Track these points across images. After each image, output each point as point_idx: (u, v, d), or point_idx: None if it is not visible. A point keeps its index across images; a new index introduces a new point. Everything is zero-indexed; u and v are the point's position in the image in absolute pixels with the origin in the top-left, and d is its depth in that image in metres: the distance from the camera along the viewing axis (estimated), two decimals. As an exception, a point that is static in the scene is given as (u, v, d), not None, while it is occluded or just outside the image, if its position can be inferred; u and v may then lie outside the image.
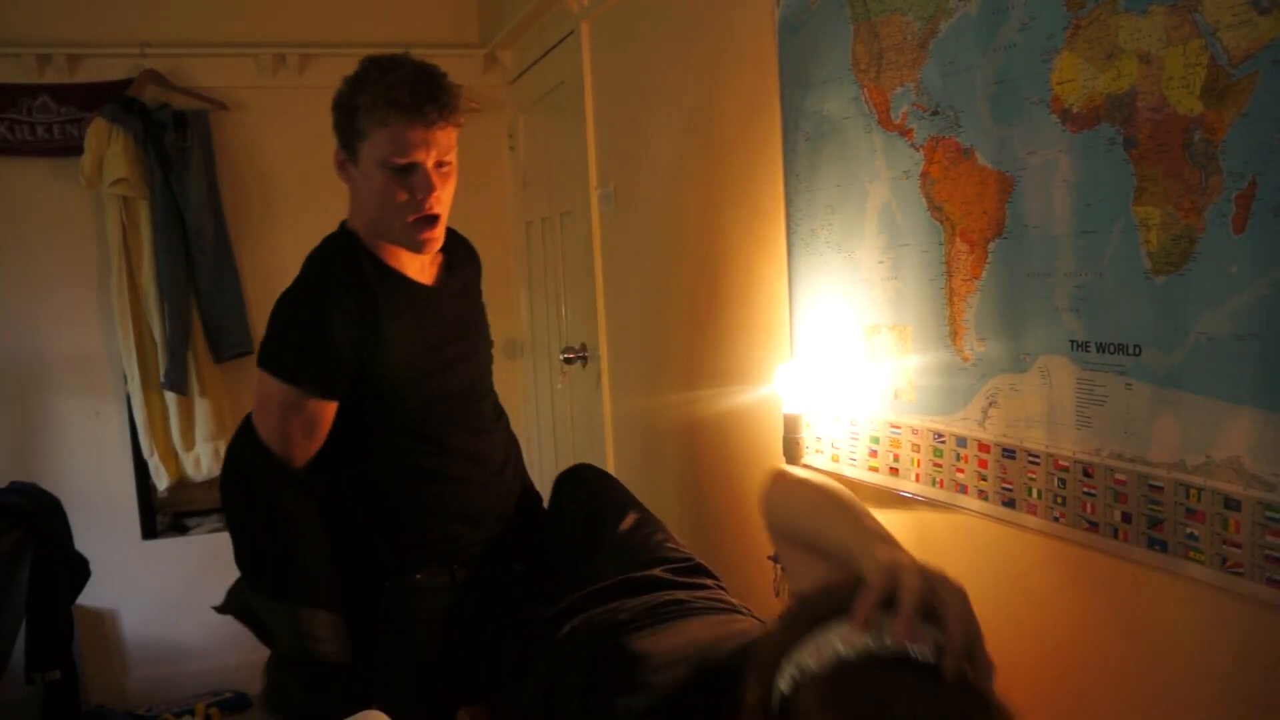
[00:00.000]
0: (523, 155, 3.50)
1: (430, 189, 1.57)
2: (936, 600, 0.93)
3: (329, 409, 1.62)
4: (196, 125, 3.18)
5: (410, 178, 1.56)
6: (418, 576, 1.72)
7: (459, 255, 1.88)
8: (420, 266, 1.74)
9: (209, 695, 3.26)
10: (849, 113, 1.65)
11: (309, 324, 1.59)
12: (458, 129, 1.59)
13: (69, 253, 3.20)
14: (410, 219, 1.58)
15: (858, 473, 1.73)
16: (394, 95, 1.52)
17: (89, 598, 2.99)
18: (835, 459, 1.78)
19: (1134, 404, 1.18)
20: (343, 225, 1.76)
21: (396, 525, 1.73)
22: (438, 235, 1.62)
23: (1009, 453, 1.39)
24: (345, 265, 1.64)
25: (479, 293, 1.95)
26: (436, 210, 1.59)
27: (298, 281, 1.68)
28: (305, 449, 1.63)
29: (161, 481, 3.21)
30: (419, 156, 1.55)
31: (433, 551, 1.73)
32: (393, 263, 1.68)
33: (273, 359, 1.61)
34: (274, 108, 3.35)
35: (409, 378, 1.67)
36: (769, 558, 1.77)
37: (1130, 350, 1.18)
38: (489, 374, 1.91)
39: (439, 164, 1.58)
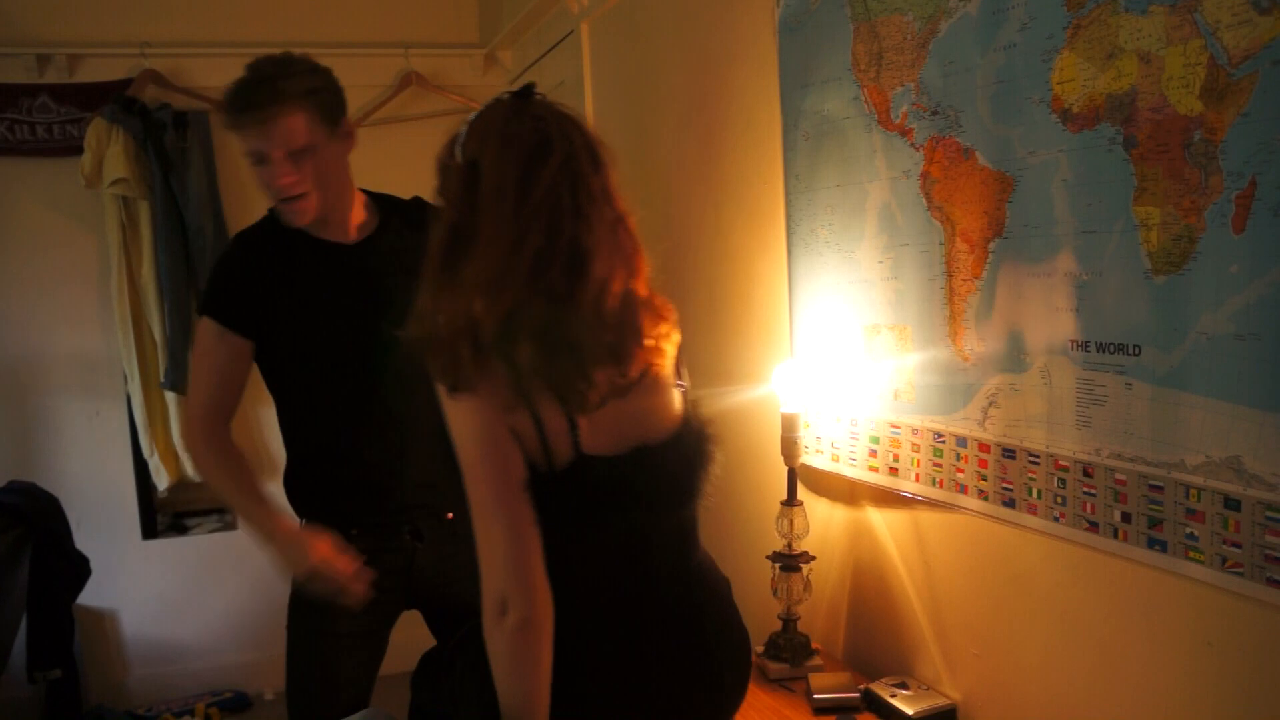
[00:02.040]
0: (523, 155, 3.49)
1: (277, 178, 1.70)
2: None
3: (225, 344, 1.76)
4: (196, 125, 3.17)
5: (265, 168, 1.71)
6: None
7: (409, 219, 1.89)
8: (340, 228, 1.83)
9: (209, 695, 3.26)
10: (849, 113, 1.65)
11: (223, 264, 1.84)
12: (294, 117, 1.69)
13: (69, 253, 3.20)
14: (276, 198, 1.74)
15: (858, 473, 1.73)
16: (229, 102, 1.69)
17: (89, 597, 2.99)
18: (835, 459, 1.78)
19: (1134, 404, 1.18)
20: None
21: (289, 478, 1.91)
22: (304, 209, 1.74)
23: (1009, 453, 1.39)
24: (256, 227, 1.85)
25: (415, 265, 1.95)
26: (293, 193, 1.72)
27: (232, 243, 1.89)
28: (206, 390, 1.78)
29: (161, 481, 3.21)
30: (264, 148, 1.69)
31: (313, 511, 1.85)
32: (305, 226, 1.80)
33: (202, 300, 1.84)
34: (274, 108, 3.35)
35: (279, 319, 1.78)
36: (767, 557, 1.77)
37: (1130, 350, 1.18)
38: (389, 367, 1.83)
39: (295, 151, 1.70)
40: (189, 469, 3.22)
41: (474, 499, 1.20)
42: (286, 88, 1.68)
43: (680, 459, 1.31)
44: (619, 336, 1.23)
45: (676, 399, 1.33)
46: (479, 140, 1.21)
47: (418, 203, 1.89)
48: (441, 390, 1.21)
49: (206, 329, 1.77)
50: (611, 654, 1.26)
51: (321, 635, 1.80)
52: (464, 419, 1.20)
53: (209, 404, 1.78)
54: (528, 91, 1.25)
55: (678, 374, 1.35)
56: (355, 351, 1.79)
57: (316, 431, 1.84)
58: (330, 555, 1.70)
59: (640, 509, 1.27)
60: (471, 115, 1.24)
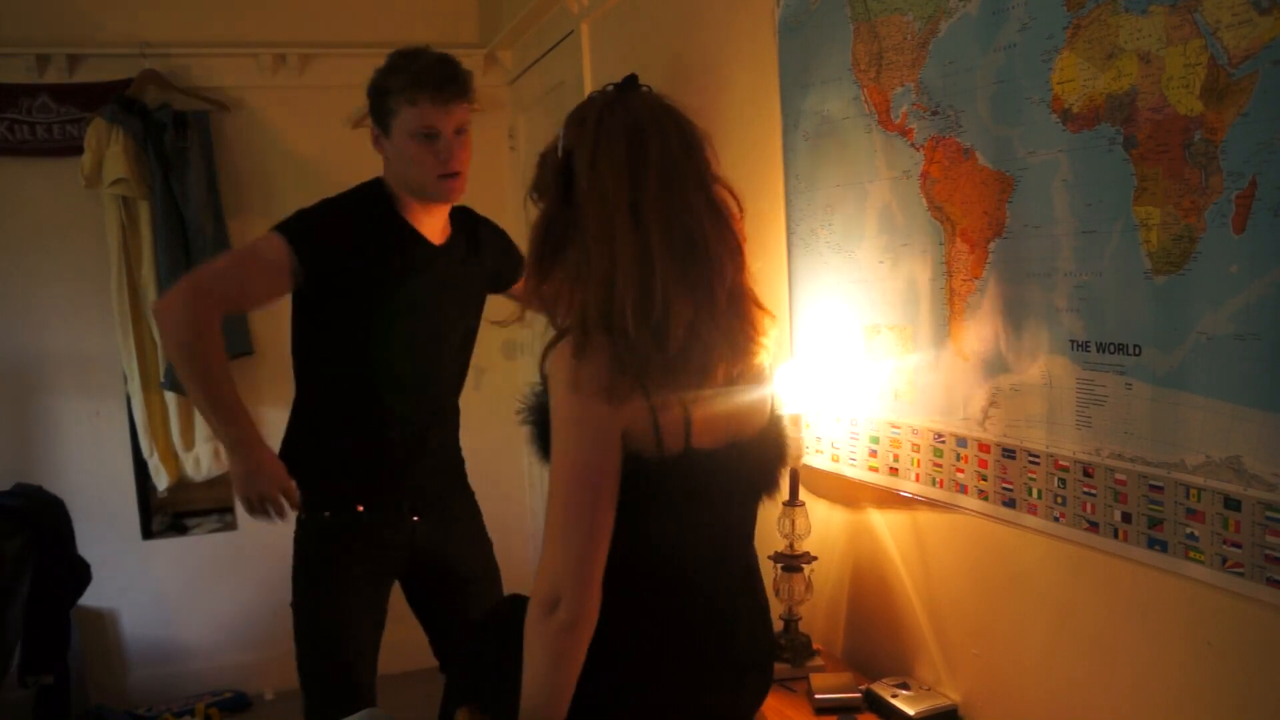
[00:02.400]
0: (523, 155, 3.50)
1: (451, 151, 1.87)
2: None
3: (277, 270, 1.79)
4: (196, 125, 3.17)
5: (436, 144, 1.84)
6: (326, 514, 1.91)
7: (481, 236, 2.12)
8: (434, 228, 1.96)
9: (209, 695, 3.26)
10: (849, 113, 1.65)
11: (321, 209, 1.89)
12: (471, 104, 1.90)
13: (69, 253, 3.20)
14: (437, 175, 1.86)
15: (858, 473, 1.73)
16: (420, 78, 1.81)
17: (89, 597, 2.99)
18: (835, 459, 1.78)
19: (1134, 404, 1.18)
20: (377, 181, 1.98)
21: (305, 459, 1.93)
22: (459, 186, 1.91)
23: (1009, 453, 1.39)
24: (363, 198, 1.93)
25: (481, 285, 2.11)
26: (457, 168, 1.88)
27: (320, 204, 1.93)
28: (233, 284, 1.81)
29: (161, 481, 3.21)
30: (441, 126, 1.84)
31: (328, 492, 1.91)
32: (406, 215, 1.92)
33: (279, 224, 1.86)
34: (274, 108, 3.35)
35: (364, 291, 1.86)
36: (769, 557, 1.77)
37: (1130, 350, 1.18)
38: (450, 370, 2.06)
39: (457, 131, 1.87)
40: (188, 469, 3.22)
41: (560, 492, 1.19)
42: (466, 73, 1.87)
43: (765, 455, 1.34)
44: (737, 328, 1.26)
45: (765, 395, 1.35)
46: (575, 136, 1.24)
47: (467, 213, 2.10)
48: (556, 380, 1.19)
49: (271, 244, 1.80)
50: (686, 639, 1.27)
51: (334, 579, 1.89)
52: (577, 411, 1.18)
53: (225, 295, 1.79)
54: (630, 83, 1.28)
55: (770, 371, 1.38)
56: (424, 347, 1.96)
57: (358, 409, 1.91)
58: (289, 488, 1.80)
59: (729, 503, 1.31)
60: (571, 111, 1.28)
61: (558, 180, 1.24)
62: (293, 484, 1.82)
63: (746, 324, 1.27)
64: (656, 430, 1.20)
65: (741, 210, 1.29)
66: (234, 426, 1.76)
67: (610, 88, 1.28)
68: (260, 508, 1.80)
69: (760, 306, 1.30)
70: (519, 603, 1.55)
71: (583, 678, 1.25)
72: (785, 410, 1.41)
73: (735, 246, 1.26)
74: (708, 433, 1.25)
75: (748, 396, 1.30)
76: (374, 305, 1.86)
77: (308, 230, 1.83)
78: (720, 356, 1.23)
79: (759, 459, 1.33)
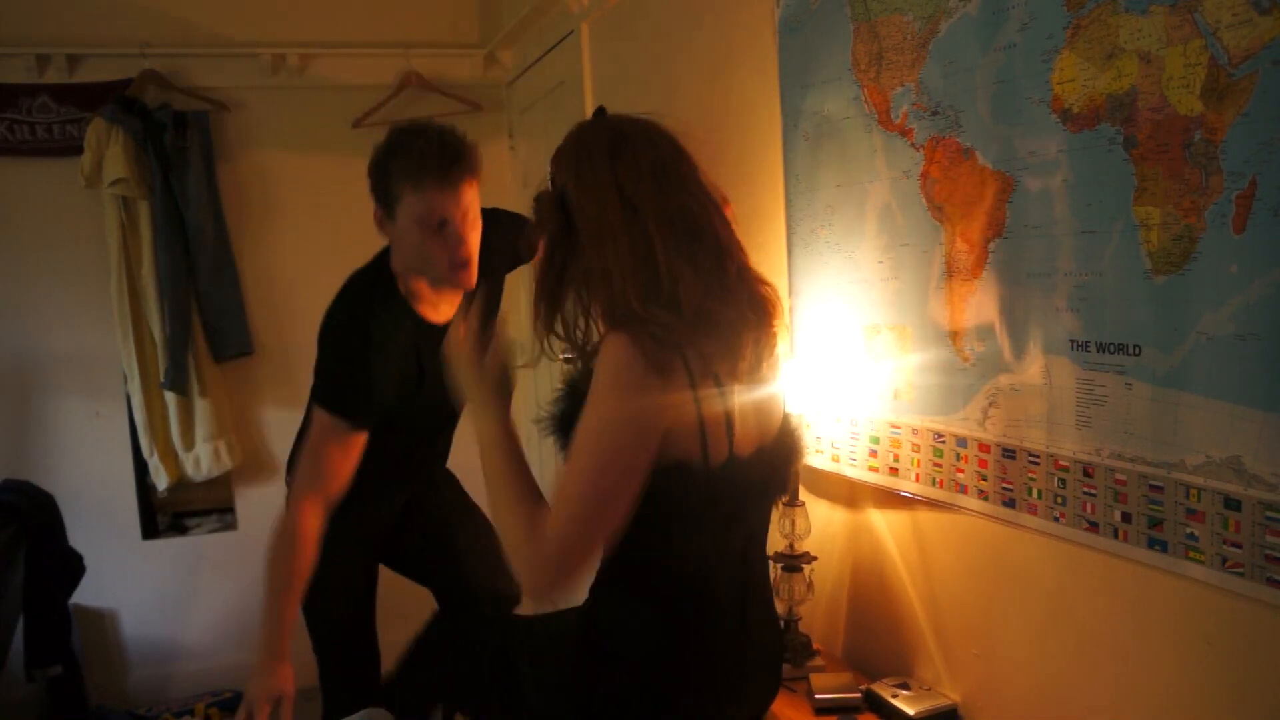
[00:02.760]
0: (523, 155, 3.50)
1: (460, 242, 1.76)
2: None
3: (354, 439, 1.82)
4: (196, 125, 3.17)
5: (443, 231, 1.75)
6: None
7: (494, 260, 2.01)
8: (444, 301, 1.91)
9: (209, 695, 3.25)
10: (849, 113, 1.65)
11: (351, 361, 1.81)
12: (476, 183, 1.79)
13: (69, 253, 3.20)
14: (444, 265, 1.78)
15: (858, 473, 1.73)
16: (424, 162, 1.71)
17: (89, 598, 2.99)
18: (835, 459, 1.78)
19: (1134, 404, 1.18)
20: (381, 254, 1.92)
21: None
22: (471, 272, 1.81)
23: (1009, 453, 1.39)
24: (381, 307, 1.85)
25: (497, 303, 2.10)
26: (468, 255, 1.78)
27: (334, 311, 1.87)
28: (338, 474, 1.82)
29: (161, 481, 3.21)
30: (449, 213, 1.74)
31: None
32: (415, 304, 1.88)
33: (319, 393, 1.83)
34: (274, 108, 3.35)
35: (384, 389, 1.85)
36: (770, 557, 1.77)
37: (1130, 350, 1.18)
38: (444, 430, 2.13)
39: (468, 216, 1.77)
40: (188, 469, 3.22)
41: (573, 489, 1.14)
42: (471, 146, 1.76)
43: (782, 458, 1.33)
44: (750, 303, 1.25)
45: (779, 395, 1.34)
46: (560, 163, 1.26)
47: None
48: (605, 371, 1.16)
49: (337, 426, 1.78)
50: (708, 655, 1.26)
51: (336, 535, 1.88)
52: (622, 403, 1.15)
53: (332, 493, 1.81)
54: (599, 112, 1.31)
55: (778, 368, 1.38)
56: (436, 410, 1.96)
57: (368, 451, 1.89)
58: (288, 696, 1.79)
59: (753, 512, 1.30)
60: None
61: (554, 213, 1.25)
62: (290, 696, 1.80)
63: (759, 299, 1.27)
64: (702, 430, 1.18)
65: (727, 202, 1.31)
66: (271, 633, 1.79)
67: (578, 125, 1.30)
68: (256, 708, 1.78)
69: (767, 283, 1.30)
70: (521, 625, 1.56)
71: (606, 686, 1.25)
72: (791, 408, 1.40)
73: (733, 235, 1.27)
74: (745, 436, 1.23)
75: (772, 390, 1.30)
76: (392, 394, 1.86)
77: (347, 394, 1.81)
78: (745, 325, 1.22)
79: (777, 462, 1.32)
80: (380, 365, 1.81)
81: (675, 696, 1.25)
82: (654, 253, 1.17)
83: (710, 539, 1.24)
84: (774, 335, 1.30)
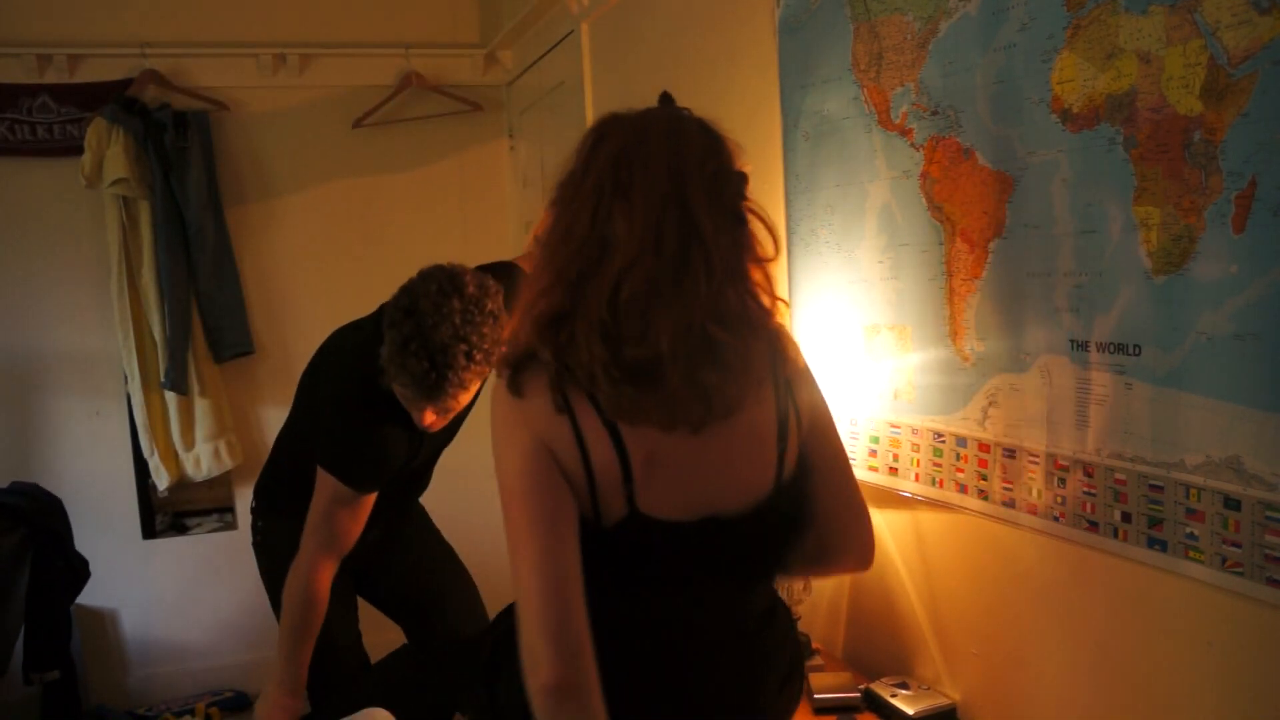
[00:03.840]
0: (523, 155, 3.50)
1: (429, 426, 1.75)
2: None
3: (362, 511, 1.87)
4: (196, 125, 3.17)
5: (415, 409, 1.73)
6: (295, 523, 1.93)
7: None
8: None
9: (209, 695, 3.25)
10: (849, 113, 1.65)
11: (368, 442, 1.81)
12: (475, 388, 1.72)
13: (69, 253, 3.20)
14: (418, 421, 1.76)
15: (858, 472, 1.72)
16: (413, 390, 1.64)
17: (89, 598, 2.99)
18: (835, 459, 1.78)
19: (1134, 404, 1.18)
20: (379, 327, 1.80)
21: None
22: (438, 426, 1.79)
23: (1009, 453, 1.39)
24: (369, 388, 1.77)
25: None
26: (437, 428, 1.78)
27: (348, 387, 1.83)
28: (350, 534, 1.87)
29: (162, 481, 3.21)
30: (427, 422, 1.73)
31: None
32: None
33: (333, 463, 1.82)
34: (274, 108, 3.35)
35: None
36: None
37: (1130, 350, 1.18)
38: (426, 473, 2.17)
39: (452, 411, 1.74)
40: (189, 469, 3.22)
41: (511, 542, 1.04)
42: (478, 375, 1.65)
43: (759, 536, 1.12)
44: (732, 350, 1.05)
45: (771, 457, 1.12)
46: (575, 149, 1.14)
47: None
48: (492, 419, 1.08)
49: (352, 498, 1.82)
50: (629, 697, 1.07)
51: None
52: (502, 442, 1.07)
53: (345, 550, 1.87)
54: (664, 99, 1.21)
55: (787, 421, 1.14)
56: (424, 465, 2.05)
57: None
58: None
59: (692, 587, 1.11)
60: None
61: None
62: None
63: (747, 349, 1.08)
64: (592, 485, 1.04)
65: (776, 245, 1.13)
66: (288, 673, 1.89)
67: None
68: None
69: (765, 334, 1.12)
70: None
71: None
72: (807, 472, 1.16)
73: (722, 248, 1.07)
74: (664, 496, 1.06)
75: (726, 453, 1.09)
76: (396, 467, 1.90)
77: (367, 472, 1.82)
78: (704, 368, 1.04)
79: (750, 540, 1.12)
80: (393, 444, 1.83)
81: None
82: (614, 269, 1.04)
83: (619, 609, 1.07)
84: (751, 389, 1.10)
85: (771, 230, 1.13)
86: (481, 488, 1.95)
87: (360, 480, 1.82)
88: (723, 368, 1.05)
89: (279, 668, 1.90)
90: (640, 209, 1.05)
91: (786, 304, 1.18)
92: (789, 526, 1.15)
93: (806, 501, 1.16)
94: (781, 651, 1.23)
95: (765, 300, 1.11)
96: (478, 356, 1.62)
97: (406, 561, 2.20)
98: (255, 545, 2.17)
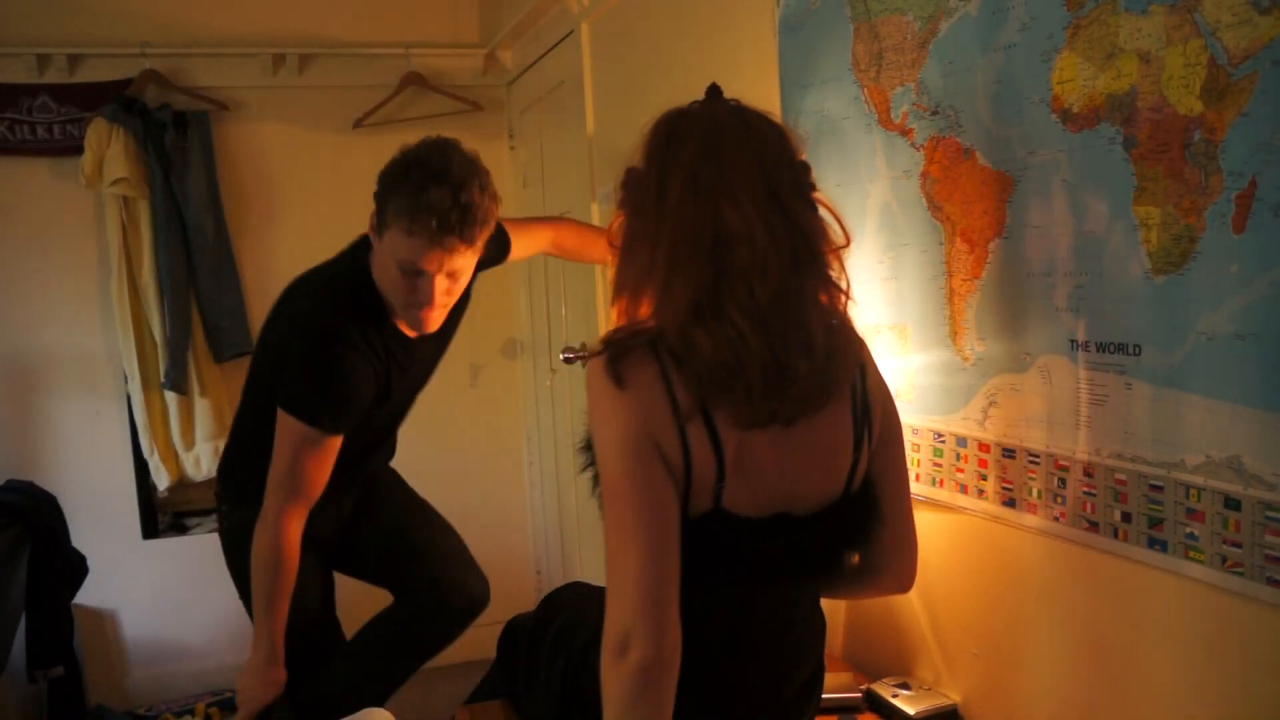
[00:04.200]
0: (523, 155, 3.50)
1: (430, 300, 1.69)
2: None
3: (334, 446, 1.79)
4: (196, 125, 3.17)
5: (417, 280, 1.68)
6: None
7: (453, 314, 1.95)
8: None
9: (209, 695, 3.25)
10: (849, 113, 1.65)
11: (336, 374, 1.74)
12: (474, 251, 1.69)
13: (69, 252, 3.20)
14: (406, 309, 1.73)
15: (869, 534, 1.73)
16: (422, 216, 1.60)
17: (89, 597, 2.99)
18: (835, 459, 1.78)
19: (1134, 404, 1.18)
20: (358, 251, 1.84)
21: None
22: (432, 322, 1.76)
23: (1009, 453, 1.39)
24: (364, 317, 1.77)
25: (457, 322, 2.00)
26: (428, 303, 1.71)
27: (316, 318, 1.78)
28: (318, 482, 1.80)
29: (162, 481, 3.21)
30: (430, 269, 1.67)
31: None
32: (392, 316, 1.81)
33: (297, 403, 1.74)
34: (274, 108, 3.35)
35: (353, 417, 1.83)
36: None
37: (1130, 350, 1.18)
38: (394, 430, 2.12)
39: (449, 273, 1.70)
40: (189, 469, 3.22)
41: (610, 518, 1.08)
42: (484, 222, 1.65)
43: (828, 536, 1.17)
44: (831, 355, 1.10)
45: (845, 462, 1.17)
46: (648, 145, 1.17)
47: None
48: (593, 400, 1.10)
49: (318, 439, 1.75)
50: (685, 697, 1.11)
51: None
52: (613, 427, 1.08)
53: (313, 499, 1.81)
54: (714, 92, 1.24)
55: (863, 430, 1.18)
56: (394, 415, 2.00)
57: None
58: (280, 692, 1.86)
59: (759, 580, 1.16)
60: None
61: (632, 194, 1.17)
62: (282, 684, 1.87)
63: (833, 350, 1.12)
64: (688, 481, 1.08)
65: (846, 234, 1.17)
66: (269, 635, 1.83)
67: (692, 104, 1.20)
68: (254, 707, 1.85)
69: (850, 336, 1.16)
70: (557, 602, 1.55)
71: (580, 696, 1.17)
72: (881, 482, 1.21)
73: (825, 259, 1.13)
74: (746, 493, 1.10)
75: (803, 453, 1.13)
76: (368, 406, 1.83)
77: (335, 412, 1.75)
78: (796, 372, 1.08)
79: (819, 539, 1.16)
80: (363, 378, 1.76)
81: None
82: (720, 269, 1.07)
83: (695, 597, 1.10)
84: (835, 393, 1.14)
85: (840, 219, 1.17)
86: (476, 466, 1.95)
87: (327, 417, 1.73)
88: (817, 365, 1.10)
89: (256, 636, 1.84)
90: (748, 205, 1.08)
91: (854, 300, 1.20)
92: (854, 532, 1.19)
93: (873, 512, 1.20)
94: (811, 654, 1.28)
95: (841, 294, 1.16)
96: (490, 190, 1.65)
97: (381, 523, 2.14)
98: (221, 533, 2.11)
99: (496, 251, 1.99)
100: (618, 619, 1.05)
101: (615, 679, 1.05)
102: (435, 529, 2.19)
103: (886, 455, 1.23)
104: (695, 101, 1.22)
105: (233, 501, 2.05)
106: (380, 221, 1.70)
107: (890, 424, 1.24)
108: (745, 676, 1.21)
